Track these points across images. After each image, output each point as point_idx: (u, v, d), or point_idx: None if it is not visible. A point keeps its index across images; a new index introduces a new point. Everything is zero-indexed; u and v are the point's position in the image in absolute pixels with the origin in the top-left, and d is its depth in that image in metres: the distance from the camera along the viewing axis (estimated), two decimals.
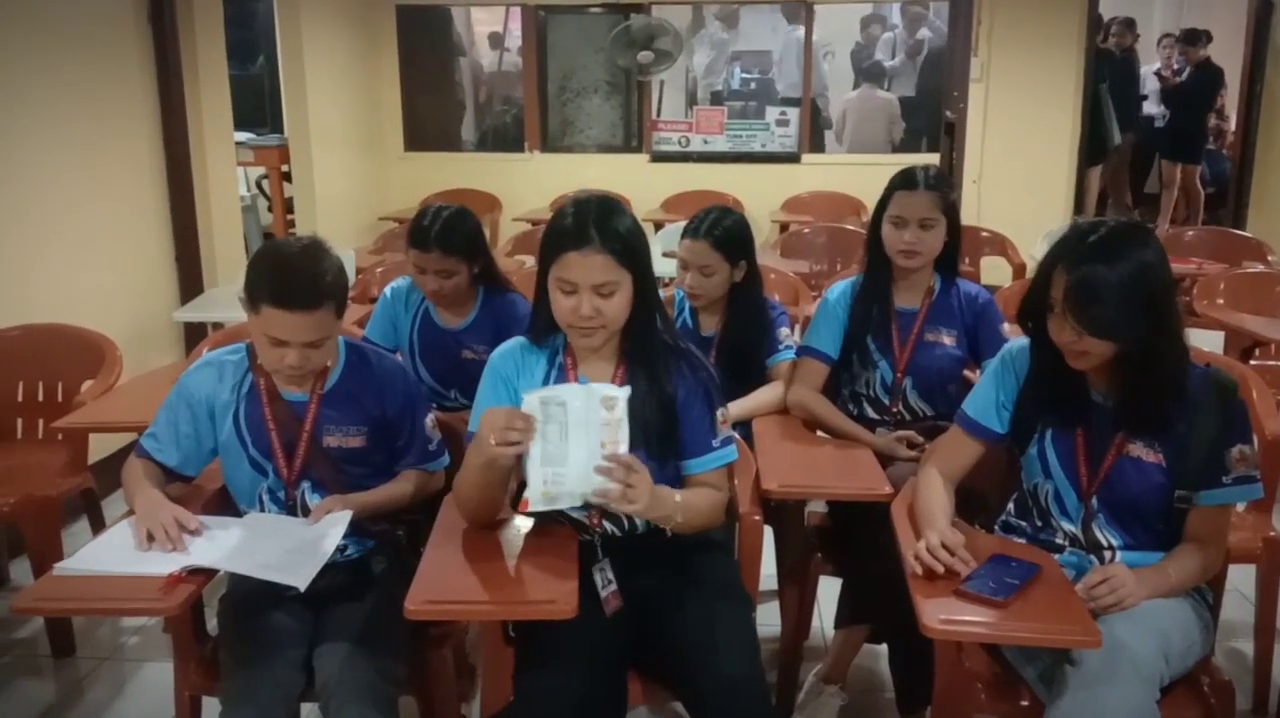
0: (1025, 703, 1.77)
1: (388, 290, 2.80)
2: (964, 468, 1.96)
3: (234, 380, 1.98)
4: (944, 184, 2.39)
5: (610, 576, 1.81)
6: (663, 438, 1.78)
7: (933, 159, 5.34)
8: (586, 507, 1.76)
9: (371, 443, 2.01)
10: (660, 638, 1.80)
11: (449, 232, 2.57)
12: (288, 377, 1.91)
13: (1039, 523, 1.91)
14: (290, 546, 1.82)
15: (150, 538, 1.79)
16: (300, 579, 1.71)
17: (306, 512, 1.97)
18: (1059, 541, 1.87)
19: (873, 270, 2.43)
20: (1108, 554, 1.83)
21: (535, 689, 1.70)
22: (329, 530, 1.85)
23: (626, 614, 1.81)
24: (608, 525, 1.86)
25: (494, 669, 1.84)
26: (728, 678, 1.68)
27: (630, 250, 1.72)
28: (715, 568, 1.91)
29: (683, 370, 1.82)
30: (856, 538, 2.27)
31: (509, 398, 1.80)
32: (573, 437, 1.60)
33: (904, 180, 2.37)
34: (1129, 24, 7.77)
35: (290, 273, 1.81)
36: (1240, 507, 2.61)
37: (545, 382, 1.80)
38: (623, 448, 1.61)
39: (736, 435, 1.93)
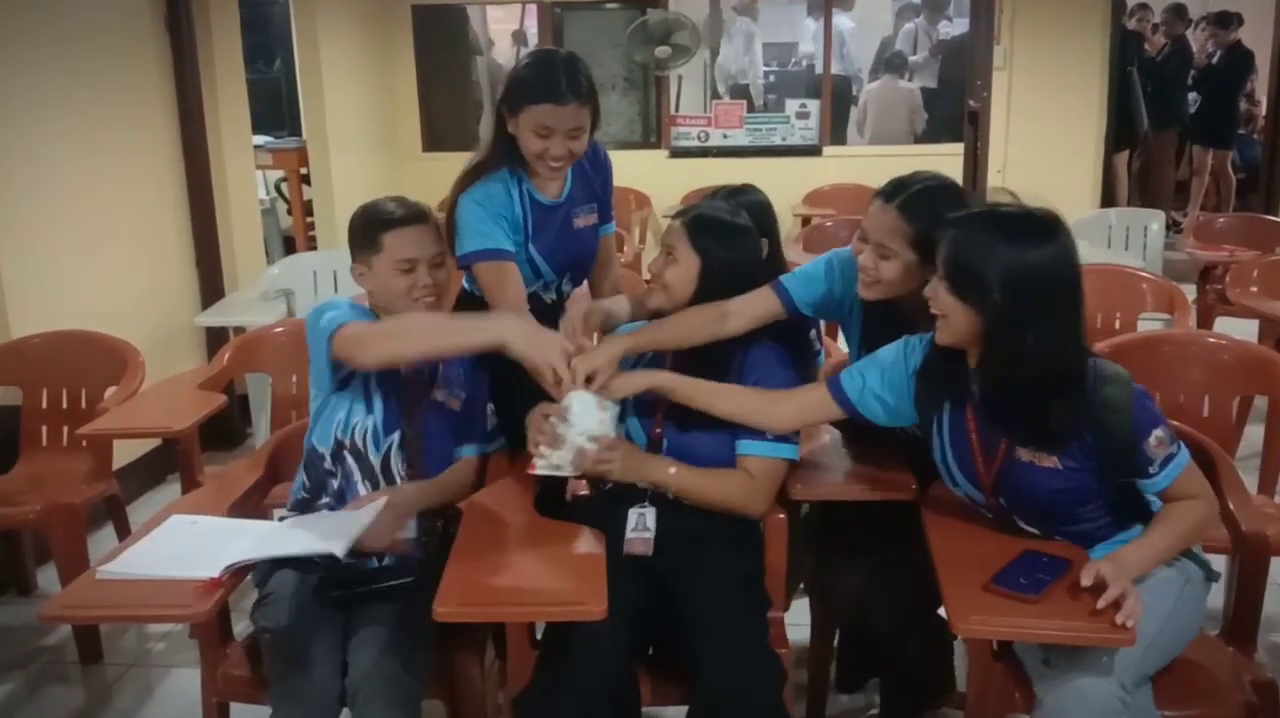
0: None
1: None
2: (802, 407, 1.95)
3: (364, 317, 2.08)
4: (919, 203, 1.89)
5: (649, 523, 1.93)
6: (697, 418, 1.94)
7: (956, 149, 5.27)
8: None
9: (464, 411, 2.13)
10: (673, 633, 1.85)
11: (577, 73, 2.09)
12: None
13: None
14: (324, 526, 1.88)
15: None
16: (338, 546, 1.75)
17: (390, 468, 2.05)
18: None
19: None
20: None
21: (556, 669, 1.76)
22: (365, 510, 1.90)
23: (643, 608, 1.85)
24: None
25: (520, 666, 1.85)
26: (728, 678, 1.70)
27: (703, 234, 2.01)
28: (738, 563, 1.94)
29: (757, 362, 2.01)
30: (829, 546, 2.22)
31: None
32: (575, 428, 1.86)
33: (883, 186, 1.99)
34: (1178, 11, 7.66)
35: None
36: (1278, 498, 2.57)
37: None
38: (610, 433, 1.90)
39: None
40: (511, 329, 1.84)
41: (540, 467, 1.85)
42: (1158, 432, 1.67)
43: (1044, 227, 1.67)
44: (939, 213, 1.80)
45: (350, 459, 2.04)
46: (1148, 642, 1.63)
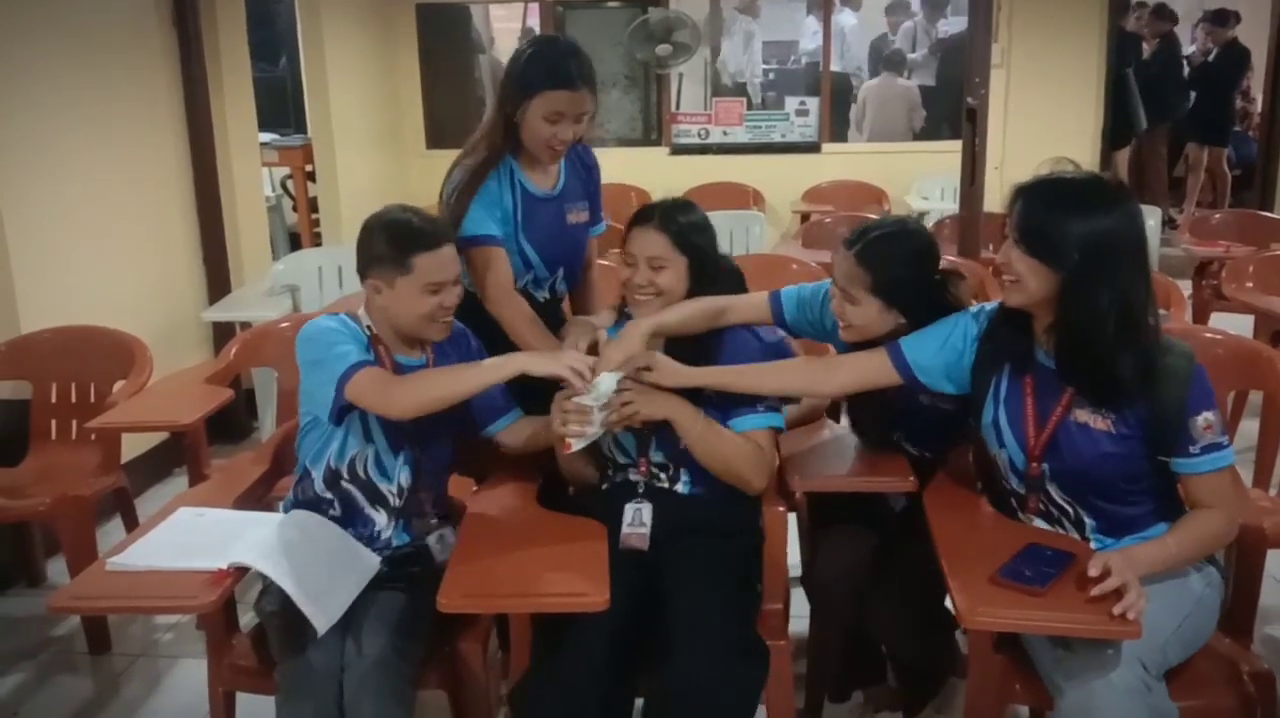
0: None
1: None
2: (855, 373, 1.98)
3: (360, 344, 1.95)
4: (873, 250, 1.95)
5: (645, 518, 1.95)
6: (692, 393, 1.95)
7: (954, 146, 5.28)
8: (634, 455, 2.04)
9: (475, 400, 2.00)
10: (656, 628, 1.85)
11: (581, 59, 2.18)
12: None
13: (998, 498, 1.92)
14: (329, 572, 1.85)
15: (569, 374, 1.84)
16: (322, 620, 1.75)
17: (403, 488, 2.01)
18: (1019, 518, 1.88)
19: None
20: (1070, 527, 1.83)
21: (549, 661, 1.78)
22: (361, 570, 1.90)
23: (638, 602, 1.86)
24: (657, 473, 2.02)
25: (522, 657, 1.87)
26: (690, 678, 1.70)
27: (685, 238, 2.02)
28: (731, 560, 1.94)
29: (741, 341, 2.04)
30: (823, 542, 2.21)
31: None
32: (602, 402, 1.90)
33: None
34: (1160, 11, 7.66)
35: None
36: (1273, 491, 2.60)
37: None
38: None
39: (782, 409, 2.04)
40: (524, 356, 1.91)
41: (575, 445, 1.87)
42: (1209, 414, 1.69)
43: (1115, 189, 1.72)
44: (892, 259, 1.94)
45: (351, 488, 2.00)
46: (1166, 636, 1.66)
